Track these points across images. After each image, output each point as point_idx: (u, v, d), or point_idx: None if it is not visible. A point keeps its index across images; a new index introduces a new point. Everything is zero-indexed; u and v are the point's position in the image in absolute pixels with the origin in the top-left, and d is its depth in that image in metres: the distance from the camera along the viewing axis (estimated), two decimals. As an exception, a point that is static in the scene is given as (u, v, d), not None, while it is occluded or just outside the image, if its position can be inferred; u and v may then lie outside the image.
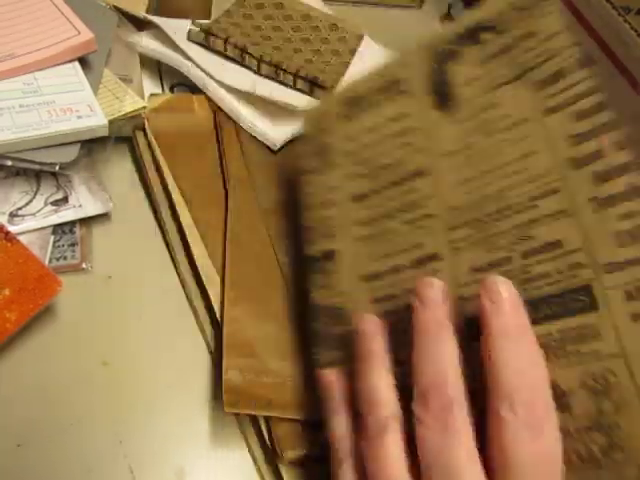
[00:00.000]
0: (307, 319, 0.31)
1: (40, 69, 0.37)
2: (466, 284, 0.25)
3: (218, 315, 0.34)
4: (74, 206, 0.37)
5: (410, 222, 0.28)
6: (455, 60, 0.30)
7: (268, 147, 0.42)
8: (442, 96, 0.29)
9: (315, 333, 0.30)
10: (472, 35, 0.29)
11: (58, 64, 0.38)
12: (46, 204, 0.36)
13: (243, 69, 0.44)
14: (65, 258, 0.35)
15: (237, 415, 0.32)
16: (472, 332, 0.23)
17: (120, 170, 0.41)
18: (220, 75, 0.43)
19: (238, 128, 0.43)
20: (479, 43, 0.29)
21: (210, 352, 0.35)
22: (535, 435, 0.20)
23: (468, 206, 0.26)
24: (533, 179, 0.25)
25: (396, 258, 0.28)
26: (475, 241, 0.26)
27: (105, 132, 0.37)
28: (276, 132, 0.42)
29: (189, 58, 0.44)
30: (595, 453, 0.21)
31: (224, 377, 0.30)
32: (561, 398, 0.22)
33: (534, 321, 0.22)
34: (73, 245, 0.36)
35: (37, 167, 0.35)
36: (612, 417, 0.21)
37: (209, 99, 0.44)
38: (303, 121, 0.36)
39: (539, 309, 0.23)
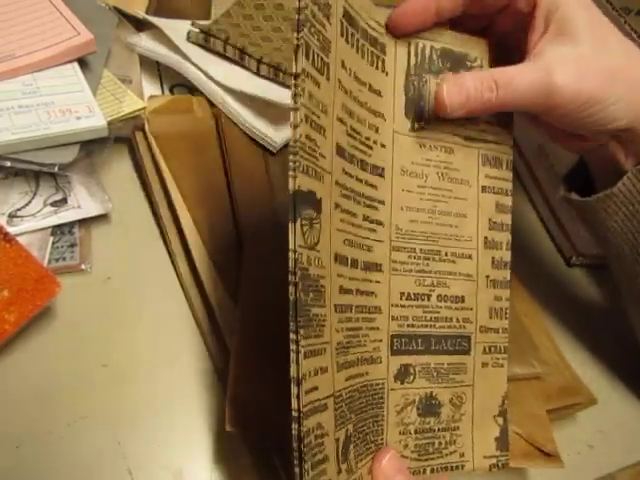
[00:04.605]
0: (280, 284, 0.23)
1: (39, 70, 0.37)
2: (395, 305, 0.29)
3: (217, 316, 0.34)
4: (73, 207, 0.37)
5: (367, 219, 0.28)
6: (434, 75, 0.31)
7: (267, 149, 0.42)
8: (417, 109, 0.30)
9: (297, 307, 0.23)
10: (456, 64, 0.32)
11: (57, 65, 0.38)
12: (45, 205, 0.36)
13: (242, 70, 0.44)
14: (64, 259, 0.35)
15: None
16: (394, 349, 0.29)
17: (119, 171, 0.41)
18: (219, 76, 0.43)
19: (239, 129, 0.43)
20: None
21: (209, 354, 0.35)
22: None
23: (409, 233, 0.30)
24: (459, 239, 0.31)
25: (354, 252, 0.27)
26: (409, 269, 0.30)
27: (104, 133, 0.37)
28: (276, 133, 0.42)
29: (188, 59, 0.44)
30: (441, 446, 0.30)
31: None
32: (437, 407, 0.30)
33: (434, 351, 0.30)
34: (72, 246, 0.36)
35: (36, 168, 0.35)
36: (456, 423, 0.31)
37: (208, 100, 0.44)
38: None
39: (439, 343, 0.30)
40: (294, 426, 0.22)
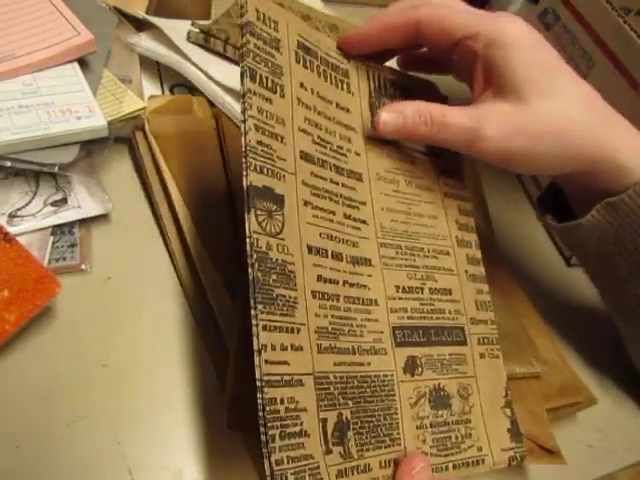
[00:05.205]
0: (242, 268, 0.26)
1: (39, 70, 0.37)
2: (392, 298, 0.30)
3: (217, 316, 0.34)
4: (73, 207, 0.37)
5: (349, 217, 0.30)
6: (389, 99, 0.35)
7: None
8: None
9: (254, 285, 0.24)
10: (406, 93, 0.36)
11: (57, 65, 0.38)
12: (45, 205, 0.36)
13: (243, 70, 0.44)
14: (64, 259, 0.35)
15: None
16: (397, 341, 0.29)
17: (119, 171, 0.41)
18: (219, 76, 0.43)
19: (239, 129, 0.43)
20: None
21: (210, 354, 0.35)
22: None
23: (393, 232, 0.32)
24: (435, 237, 0.34)
25: (337, 246, 0.28)
26: (399, 264, 0.31)
27: (104, 133, 0.37)
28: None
29: (188, 59, 0.44)
30: (458, 440, 0.30)
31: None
32: (447, 399, 0.30)
33: (435, 343, 0.31)
34: (72, 246, 0.36)
35: (36, 168, 0.35)
36: (467, 415, 0.31)
37: (208, 100, 0.44)
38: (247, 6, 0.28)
39: (439, 334, 0.31)
40: (258, 395, 0.23)
